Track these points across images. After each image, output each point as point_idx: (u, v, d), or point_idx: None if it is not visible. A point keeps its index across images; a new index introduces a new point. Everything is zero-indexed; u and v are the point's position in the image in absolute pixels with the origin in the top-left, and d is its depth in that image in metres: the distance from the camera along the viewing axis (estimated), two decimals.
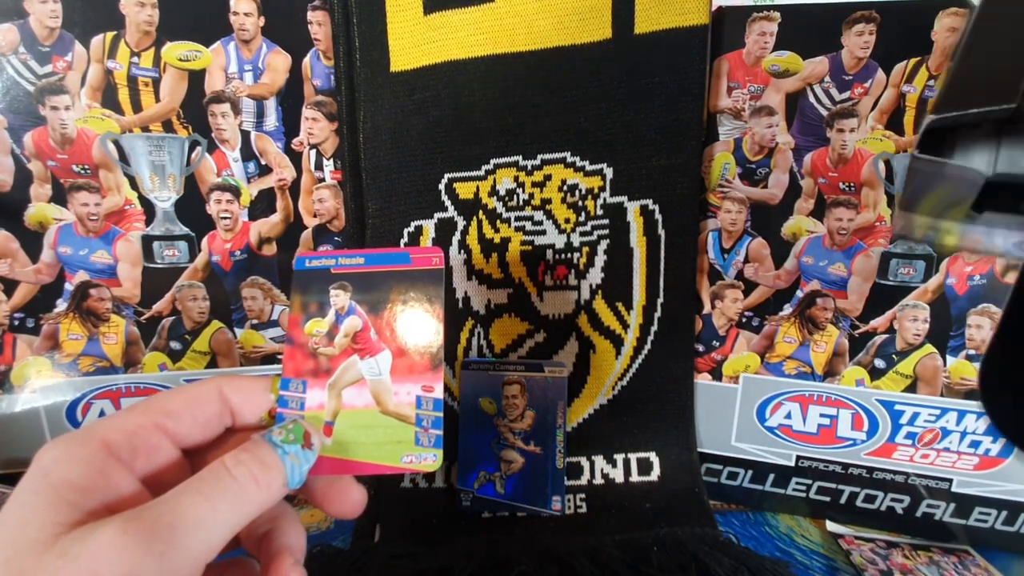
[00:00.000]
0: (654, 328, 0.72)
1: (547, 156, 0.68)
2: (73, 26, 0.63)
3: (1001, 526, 0.69)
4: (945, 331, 0.68)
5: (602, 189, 0.69)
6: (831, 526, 0.73)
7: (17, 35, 0.62)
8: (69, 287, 0.68)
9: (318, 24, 0.67)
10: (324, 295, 0.43)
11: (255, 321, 0.71)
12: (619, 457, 0.73)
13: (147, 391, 0.70)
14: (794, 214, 0.69)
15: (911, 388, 0.69)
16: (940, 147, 0.55)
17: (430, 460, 0.41)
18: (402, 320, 0.43)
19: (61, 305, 0.68)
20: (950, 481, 0.69)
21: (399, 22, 0.65)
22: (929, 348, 0.68)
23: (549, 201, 0.69)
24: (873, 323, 0.69)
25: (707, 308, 0.73)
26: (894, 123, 0.66)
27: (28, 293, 0.67)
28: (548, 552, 0.62)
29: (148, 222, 0.68)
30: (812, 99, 0.67)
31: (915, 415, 0.69)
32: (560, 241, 0.70)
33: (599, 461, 0.72)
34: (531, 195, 0.69)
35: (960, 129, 0.53)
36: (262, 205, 0.70)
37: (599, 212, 0.70)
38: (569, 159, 0.68)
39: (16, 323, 0.67)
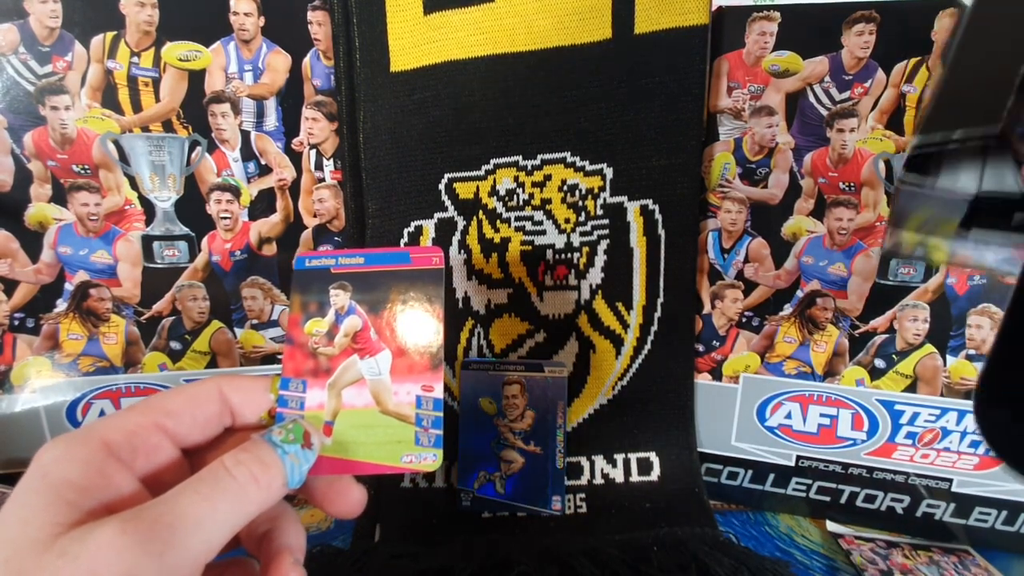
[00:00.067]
0: (654, 328, 0.72)
1: (547, 156, 0.68)
2: (73, 26, 0.63)
3: (1001, 526, 0.69)
4: (945, 331, 0.68)
5: (602, 189, 0.69)
6: (831, 526, 0.73)
7: (17, 35, 0.62)
8: (69, 287, 0.68)
9: (318, 24, 0.67)
10: (324, 295, 0.43)
11: (255, 321, 0.71)
12: (619, 457, 0.73)
13: (147, 391, 0.70)
14: (794, 214, 0.69)
15: (911, 388, 0.69)
16: (926, 166, 0.55)
17: (430, 460, 0.41)
18: (402, 320, 0.43)
19: (61, 305, 0.68)
20: (950, 481, 0.69)
21: (399, 22, 0.65)
22: (929, 348, 0.68)
23: (549, 201, 0.69)
24: (873, 323, 0.69)
25: (707, 308, 0.73)
26: (894, 123, 0.66)
27: (28, 293, 0.67)
28: (548, 552, 0.62)
29: (148, 222, 0.68)
30: (812, 99, 0.67)
31: (915, 415, 0.69)
32: (560, 241, 0.70)
33: (599, 461, 0.72)
34: (531, 195, 0.69)
35: (944, 150, 0.53)
36: (262, 205, 0.70)
37: (599, 212, 0.70)
38: (569, 159, 0.68)
39: (16, 323, 0.67)
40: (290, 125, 0.69)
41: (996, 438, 0.46)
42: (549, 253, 0.70)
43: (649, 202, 0.69)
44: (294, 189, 0.70)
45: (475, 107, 0.67)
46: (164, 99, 0.66)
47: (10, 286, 0.67)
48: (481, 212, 0.69)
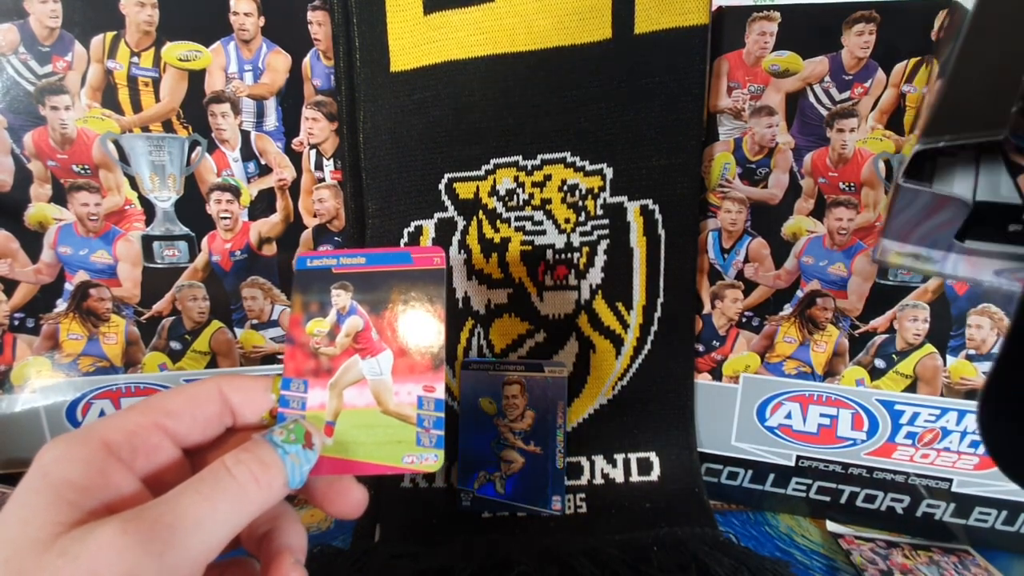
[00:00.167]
0: (654, 328, 0.72)
1: (547, 156, 0.68)
2: (73, 26, 0.63)
3: (1001, 526, 0.69)
4: (945, 331, 0.68)
5: (602, 189, 0.69)
6: (831, 526, 0.73)
7: (17, 35, 0.62)
8: (69, 287, 0.68)
9: (318, 24, 0.67)
10: (325, 295, 0.43)
11: (255, 321, 0.71)
12: (619, 457, 0.73)
13: (147, 391, 0.70)
14: (794, 214, 0.69)
15: (911, 388, 0.69)
16: (920, 174, 0.55)
17: (431, 460, 0.41)
18: (403, 320, 0.43)
19: (61, 305, 0.68)
20: (950, 481, 0.69)
21: (399, 22, 0.65)
22: (929, 348, 0.68)
23: (549, 201, 0.69)
24: (873, 323, 0.69)
25: (707, 308, 0.73)
26: (894, 123, 0.66)
27: (28, 293, 0.67)
28: (548, 552, 0.62)
29: (148, 222, 0.68)
30: (812, 99, 0.67)
31: (915, 415, 0.69)
32: (560, 241, 0.70)
33: (599, 461, 0.72)
34: (531, 195, 0.69)
35: (940, 156, 0.53)
36: (262, 205, 0.70)
37: (599, 212, 0.70)
38: (569, 159, 0.68)
39: (16, 323, 0.67)
40: (290, 125, 0.69)
41: (1001, 450, 0.46)
42: (549, 253, 0.70)
43: (649, 202, 0.69)
44: (294, 189, 0.70)
45: (475, 107, 0.67)
46: (164, 99, 0.66)
47: (10, 286, 0.67)
48: (481, 212, 0.70)
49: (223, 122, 0.67)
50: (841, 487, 0.72)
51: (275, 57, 0.67)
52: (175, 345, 0.70)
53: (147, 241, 0.68)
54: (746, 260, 0.71)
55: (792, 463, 0.73)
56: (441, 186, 0.69)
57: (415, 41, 0.66)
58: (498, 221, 0.70)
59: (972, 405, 0.68)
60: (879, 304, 0.69)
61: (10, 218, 0.66)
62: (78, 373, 0.69)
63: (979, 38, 0.50)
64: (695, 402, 0.73)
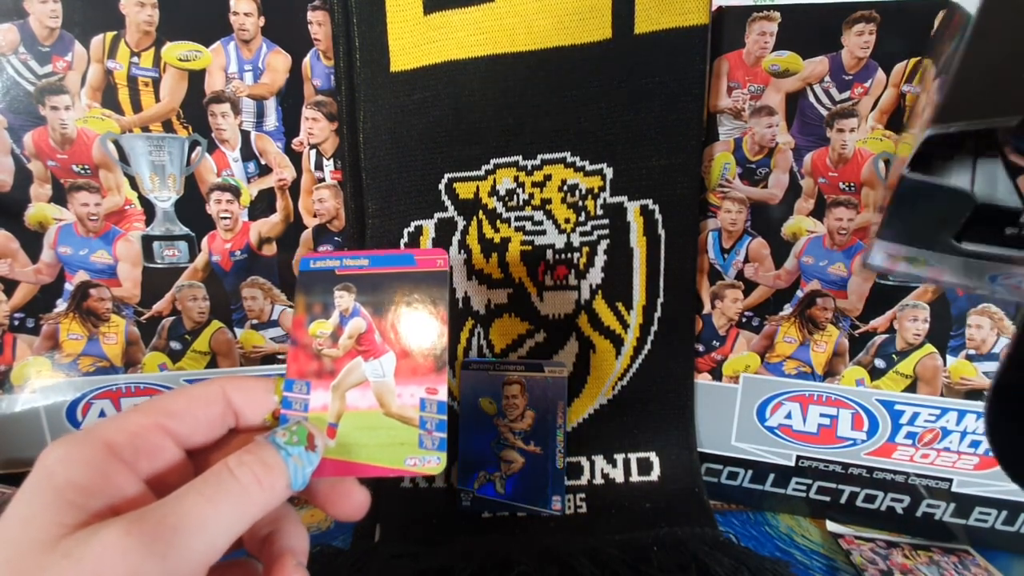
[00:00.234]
0: (654, 328, 0.72)
1: (547, 156, 0.68)
2: (73, 26, 0.63)
3: (1001, 526, 0.69)
4: (945, 331, 0.68)
5: (602, 189, 0.69)
6: (831, 526, 0.73)
7: (17, 35, 0.62)
8: (69, 287, 0.68)
9: (318, 24, 0.67)
10: (328, 296, 0.43)
11: (255, 321, 0.71)
12: (619, 457, 0.73)
13: (147, 391, 0.70)
14: (794, 214, 0.69)
15: (911, 388, 0.69)
16: (933, 162, 0.54)
17: (433, 463, 0.41)
18: (406, 322, 0.43)
19: (61, 305, 0.68)
20: (950, 481, 0.69)
21: (399, 22, 0.65)
22: (929, 348, 0.68)
23: (549, 201, 0.69)
24: (873, 323, 0.69)
25: (707, 308, 0.73)
26: (894, 123, 0.66)
27: (28, 293, 0.67)
28: (548, 552, 0.62)
29: (148, 222, 0.68)
30: (812, 99, 0.67)
31: (915, 415, 0.69)
32: (560, 241, 0.70)
33: (599, 461, 0.72)
34: (531, 195, 0.69)
35: (935, 157, 0.53)
36: (262, 205, 0.69)
37: (599, 212, 0.70)
38: (569, 159, 0.68)
39: (16, 323, 0.67)
40: (290, 125, 0.69)
41: (1006, 452, 0.46)
42: (549, 253, 0.70)
43: (649, 202, 0.69)
44: (294, 189, 0.70)
45: (475, 107, 0.67)
46: (164, 99, 0.66)
47: (10, 286, 0.67)
48: (481, 212, 0.69)
49: (223, 122, 0.67)
50: (841, 487, 0.72)
51: (275, 57, 0.67)
52: (175, 345, 0.70)
53: (147, 241, 0.68)
54: (746, 260, 0.71)
55: (792, 463, 0.73)
56: (441, 186, 0.69)
57: (415, 41, 0.66)
58: (498, 221, 0.70)
59: (972, 405, 0.68)
60: (879, 304, 0.69)
61: (10, 218, 0.65)
62: (78, 373, 0.69)
63: (991, 22, 0.50)
64: (695, 402, 0.73)
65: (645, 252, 0.70)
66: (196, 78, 0.66)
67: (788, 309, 0.71)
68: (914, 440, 0.69)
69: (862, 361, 0.70)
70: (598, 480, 0.72)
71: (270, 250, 0.70)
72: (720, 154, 0.70)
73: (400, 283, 0.43)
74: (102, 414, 0.70)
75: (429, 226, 0.70)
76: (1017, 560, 0.69)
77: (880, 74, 0.65)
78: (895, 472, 0.70)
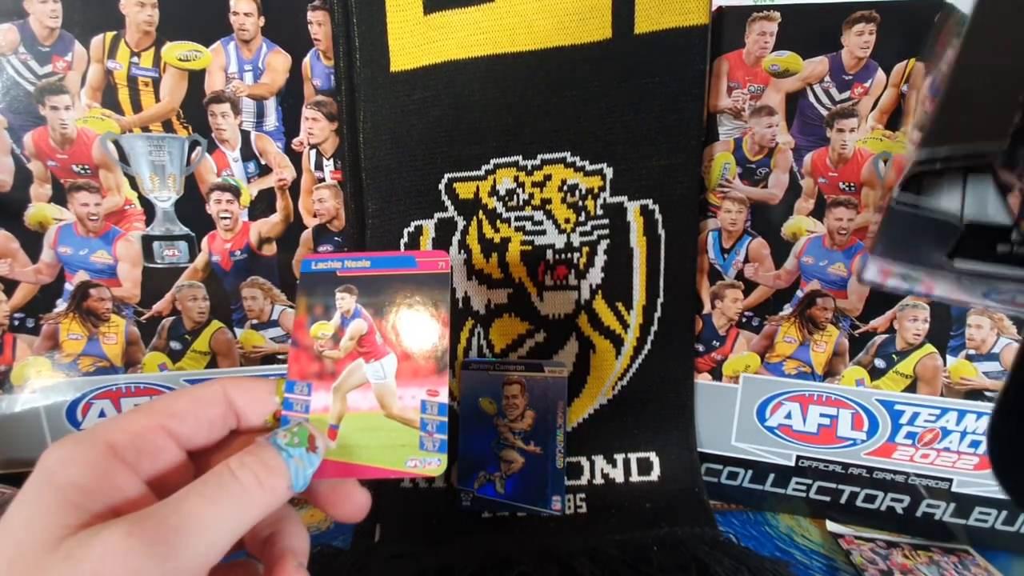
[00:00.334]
0: (654, 328, 0.72)
1: (547, 156, 0.68)
2: (73, 26, 0.63)
3: (1001, 526, 0.69)
4: (945, 331, 0.68)
5: (602, 189, 0.69)
6: (831, 526, 0.73)
7: (17, 35, 0.62)
8: (69, 287, 0.68)
9: (318, 24, 0.67)
10: (330, 298, 0.43)
11: (255, 321, 0.71)
12: (619, 457, 0.73)
13: (147, 391, 0.70)
14: (794, 214, 0.69)
15: (911, 388, 0.69)
16: (923, 186, 0.54)
17: (434, 464, 0.41)
18: (407, 324, 0.43)
19: (61, 305, 0.68)
20: (950, 481, 0.69)
21: (399, 22, 0.65)
22: (929, 348, 0.68)
23: (549, 201, 0.69)
24: (873, 323, 0.69)
25: (707, 308, 0.73)
26: (894, 123, 0.66)
27: (28, 293, 0.67)
28: (548, 552, 0.62)
29: (148, 222, 0.68)
30: (812, 99, 0.67)
31: (915, 415, 0.69)
32: (560, 241, 0.70)
33: (599, 461, 0.73)
34: (531, 195, 0.69)
35: (927, 175, 0.53)
36: (262, 205, 0.69)
37: (599, 212, 0.70)
38: (569, 159, 0.68)
39: (16, 323, 0.67)
40: (290, 125, 0.69)
41: (1010, 480, 0.46)
42: (549, 253, 0.70)
43: (649, 202, 0.69)
44: (294, 189, 0.70)
45: (475, 107, 0.67)
46: (164, 99, 0.66)
47: (10, 286, 0.67)
48: (481, 212, 0.70)
49: (223, 122, 0.67)
50: (841, 487, 0.72)
51: (275, 57, 0.67)
52: (175, 345, 0.70)
53: (147, 241, 0.68)
54: (746, 260, 0.71)
55: (792, 463, 0.73)
56: (441, 186, 0.69)
57: (415, 41, 0.66)
58: (498, 221, 0.70)
59: (972, 405, 0.68)
60: (879, 304, 0.69)
61: (10, 218, 0.65)
62: (78, 373, 0.69)
63: (978, 45, 0.50)
64: (695, 402, 0.74)
65: (645, 252, 0.70)
66: (196, 78, 0.66)
67: (788, 309, 0.71)
68: (914, 440, 0.69)
69: (862, 361, 0.70)
70: (598, 480, 0.72)
71: (270, 250, 0.70)
72: (720, 154, 0.70)
73: (401, 285, 0.44)
74: (102, 414, 0.70)
75: (429, 226, 0.70)
76: (1017, 560, 0.69)
77: (880, 74, 0.65)
78: (895, 472, 0.70)
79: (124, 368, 0.69)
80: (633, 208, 0.69)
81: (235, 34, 0.66)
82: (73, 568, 0.29)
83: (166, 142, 0.67)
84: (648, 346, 0.72)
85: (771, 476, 0.74)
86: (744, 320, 0.72)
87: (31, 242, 0.66)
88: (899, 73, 0.65)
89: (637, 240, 0.70)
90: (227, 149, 0.68)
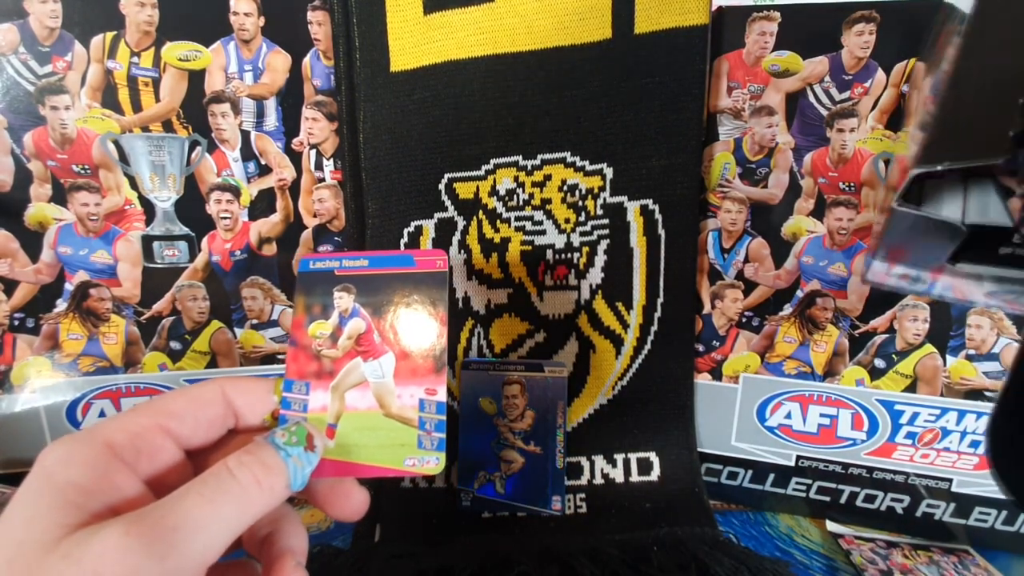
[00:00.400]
0: (654, 328, 0.72)
1: (547, 156, 0.68)
2: (73, 26, 0.63)
3: (1001, 526, 0.69)
4: (945, 331, 0.68)
5: (602, 189, 0.69)
6: (831, 526, 0.73)
7: (17, 35, 0.62)
8: (69, 287, 0.68)
9: (318, 24, 0.67)
10: (328, 297, 0.43)
11: (255, 321, 0.71)
12: (619, 457, 0.73)
13: (147, 391, 0.70)
14: (794, 214, 0.69)
15: (911, 388, 0.69)
16: (914, 197, 0.54)
17: (432, 463, 0.41)
18: (405, 323, 0.43)
19: (61, 305, 0.68)
20: (950, 481, 0.69)
21: (399, 22, 0.65)
22: (929, 348, 0.68)
23: (549, 201, 0.69)
24: (873, 323, 0.69)
25: (707, 308, 0.73)
26: (894, 123, 0.66)
27: (28, 293, 0.67)
28: (548, 552, 0.62)
29: (148, 222, 0.68)
30: (812, 99, 0.67)
31: (915, 415, 0.69)
32: (560, 241, 0.70)
33: (599, 461, 0.72)
34: (531, 195, 0.69)
35: (928, 179, 0.53)
36: (262, 205, 0.69)
37: (599, 212, 0.70)
38: (569, 159, 0.68)
39: (16, 323, 0.67)
40: (290, 125, 0.69)
41: (1011, 480, 0.46)
42: (549, 253, 0.70)
43: (649, 202, 0.69)
44: (294, 189, 0.70)
45: (475, 107, 0.67)
46: (164, 99, 0.66)
47: (10, 286, 0.67)
48: (481, 212, 0.69)
49: (223, 122, 0.67)
50: (841, 487, 0.72)
51: (275, 57, 0.67)
52: (175, 345, 0.70)
53: (147, 241, 0.68)
54: (746, 260, 0.71)
55: (792, 463, 0.73)
56: (441, 186, 0.69)
57: (415, 41, 0.66)
58: (498, 221, 0.70)
59: (972, 405, 0.68)
60: (879, 304, 0.69)
61: (10, 218, 0.65)
62: (78, 373, 0.69)
63: (976, 50, 0.50)
64: (695, 402, 0.73)
65: (645, 252, 0.70)
66: (196, 78, 0.66)
67: (788, 309, 0.71)
68: (914, 440, 0.69)
69: (862, 361, 0.70)
70: (598, 480, 0.72)
71: (270, 250, 0.70)
72: (720, 154, 0.70)
73: (399, 284, 0.44)
74: (102, 414, 0.70)
75: (429, 226, 0.70)
76: (1017, 560, 0.69)
77: (880, 74, 0.65)
78: (895, 472, 0.70)
79: (124, 368, 0.69)
80: (633, 208, 0.69)
81: (235, 34, 0.66)
82: (72, 567, 0.29)
83: (166, 142, 0.67)
84: (648, 346, 0.72)
85: (771, 476, 0.74)
86: (744, 320, 0.72)
87: (31, 242, 0.66)
88: (899, 73, 0.65)
89: (637, 240, 0.70)
90: (227, 149, 0.68)
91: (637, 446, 0.73)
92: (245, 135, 0.68)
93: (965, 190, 0.53)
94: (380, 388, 0.42)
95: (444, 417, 0.41)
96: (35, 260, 0.67)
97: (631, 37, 0.65)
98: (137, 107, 0.66)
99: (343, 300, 0.43)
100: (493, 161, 0.68)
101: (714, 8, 0.66)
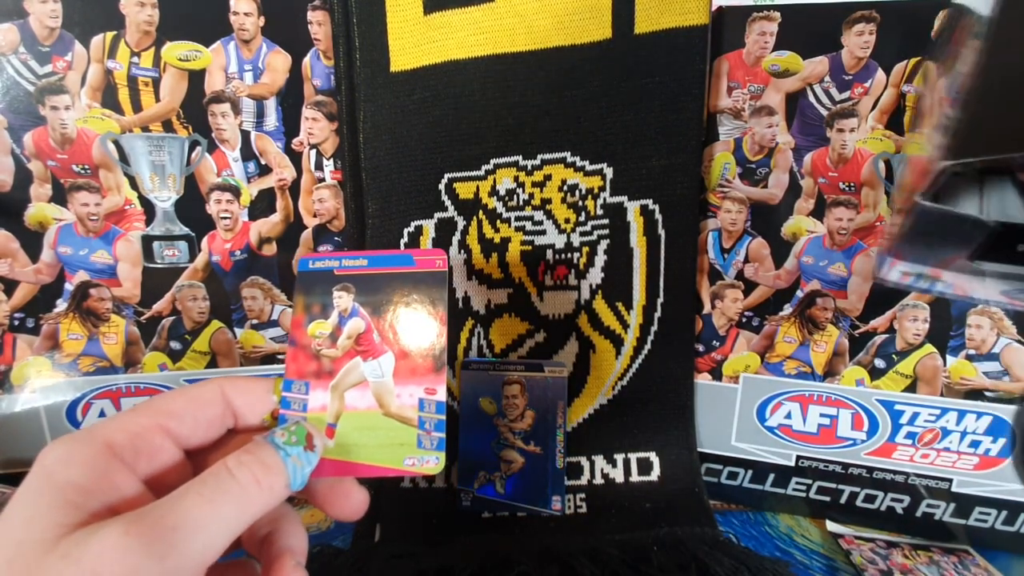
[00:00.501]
0: (654, 328, 0.72)
1: (547, 156, 0.68)
2: (73, 26, 0.63)
3: (1001, 526, 0.69)
4: (945, 331, 0.68)
5: (602, 189, 0.69)
6: (831, 526, 0.73)
7: (17, 35, 0.62)
8: (69, 287, 0.68)
9: (318, 24, 0.67)
10: (327, 297, 0.43)
11: (255, 321, 0.71)
12: (619, 457, 0.73)
13: (147, 391, 0.70)
14: (794, 214, 0.69)
15: (911, 388, 0.69)
16: (947, 190, 0.54)
17: (432, 463, 0.41)
18: (405, 322, 0.43)
19: (61, 305, 0.68)
20: (950, 481, 0.69)
21: (399, 22, 0.65)
22: (929, 348, 0.68)
23: (549, 201, 0.69)
24: (873, 323, 0.69)
25: (707, 308, 0.73)
26: (894, 123, 0.66)
27: (28, 293, 0.67)
28: (548, 552, 0.62)
29: (148, 222, 0.68)
30: (812, 99, 0.67)
31: (915, 415, 0.69)
32: (560, 241, 0.70)
33: (599, 461, 0.72)
34: (531, 195, 0.69)
35: (947, 180, 0.53)
36: (262, 205, 0.69)
37: (599, 212, 0.70)
38: (569, 159, 0.68)
39: (16, 323, 0.67)
40: (290, 125, 0.69)
41: None
42: (549, 253, 0.70)
43: (649, 202, 0.69)
44: (294, 189, 0.70)
45: (475, 107, 0.67)
46: (164, 99, 0.66)
47: (10, 286, 0.67)
48: (481, 212, 0.69)
49: (223, 122, 0.67)
50: (841, 487, 0.72)
51: (275, 57, 0.67)
52: (175, 345, 0.70)
53: (147, 241, 0.68)
54: (746, 260, 0.71)
55: (792, 463, 0.73)
56: (441, 186, 0.69)
57: (415, 41, 0.66)
58: (498, 221, 0.70)
59: (972, 405, 0.68)
60: (879, 304, 0.69)
61: (10, 218, 0.65)
62: (78, 373, 0.69)
63: (1002, 50, 0.49)
64: (695, 402, 0.73)
65: (645, 252, 0.70)
66: (196, 78, 0.66)
67: (788, 309, 0.71)
68: (914, 440, 0.69)
69: (862, 361, 0.70)
70: (598, 480, 0.72)
71: (270, 250, 0.70)
72: (720, 154, 0.70)
73: (399, 283, 0.44)
74: (102, 414, 0.70)
75: (429, 226, 0.70)
76: (1017, 560, 0.69)
77: (880, 74, 0.65)
78: (895, 472, 0.70)
79: (124, 368, 0.69)
80: (633, 208, 0.69)
81: (235, 34, 0.66)
82: (71, 567, 0.29)
83: (166, 142, 0.67)
84: (648, 346, 0.72)
85: (771, 476, 0.74)
86: (744, 320, 0.72)
87: (31, 242, 0.66)
88: (899, 73, 0.65)
89: (637, 240, 0.70)
90: (227, 149, 0.68)
91: (637, 446, 0.73)
92: (245, 135, 0.68)
93: (982, 189, 0.53)
94: (379, 388, 0.42)
95: (444, 417, 0.41)
96: (35, 260, 0.67)
97: (631, 37, 0.65)
98: (137, 107, 0.66)
99: (342, 300, 0.43)
100: (493, 161, 0.68)
101: (714, 8, 0.66)
